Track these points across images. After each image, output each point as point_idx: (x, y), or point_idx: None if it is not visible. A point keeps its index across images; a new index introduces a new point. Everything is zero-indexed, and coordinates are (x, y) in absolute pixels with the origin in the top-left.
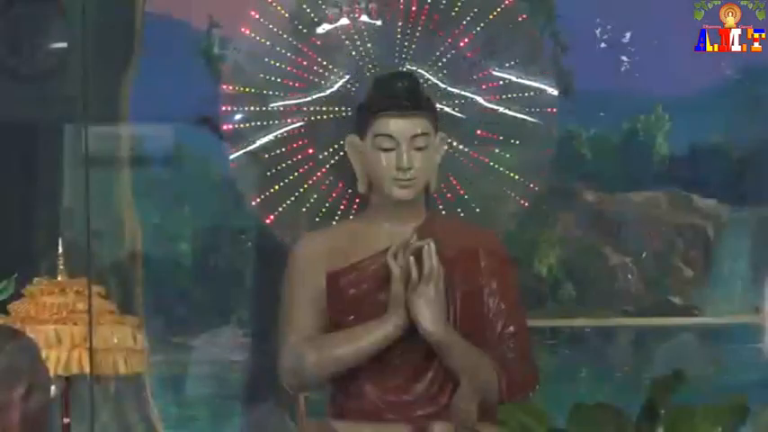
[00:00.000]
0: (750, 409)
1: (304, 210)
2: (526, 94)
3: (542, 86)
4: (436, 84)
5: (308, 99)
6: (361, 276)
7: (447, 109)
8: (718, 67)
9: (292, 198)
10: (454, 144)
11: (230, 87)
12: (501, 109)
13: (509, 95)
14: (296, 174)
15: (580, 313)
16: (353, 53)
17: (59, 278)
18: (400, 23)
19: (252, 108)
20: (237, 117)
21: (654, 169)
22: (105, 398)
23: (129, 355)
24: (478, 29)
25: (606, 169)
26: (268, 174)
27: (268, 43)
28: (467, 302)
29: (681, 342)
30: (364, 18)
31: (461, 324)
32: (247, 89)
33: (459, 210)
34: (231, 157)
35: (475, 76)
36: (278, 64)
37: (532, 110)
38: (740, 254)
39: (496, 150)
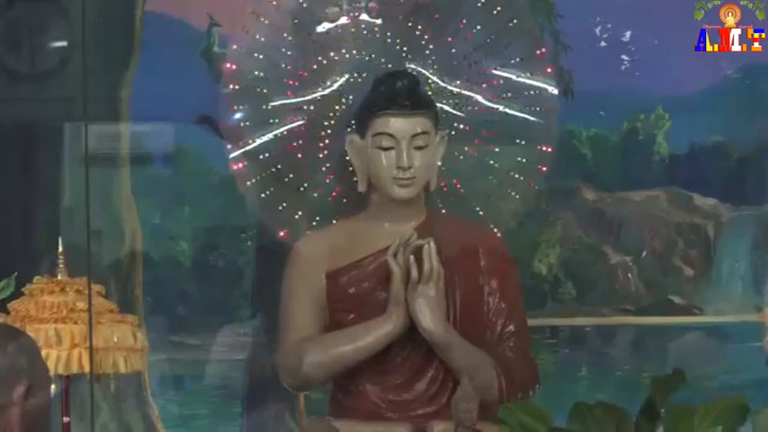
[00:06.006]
0: (750, 408)
1: (304, 209)
2: (526, 93)
3: (542, 85)
4: (436, 83)
5: (308, 98)
6: (362, 275)
7: (447, 108)
8: (718, 67)
9: (292, 198)
10: (454, 143)
11: (230, 87)
12: (501, 108)
13: (509, 94)
14: (296, 173)
15: (580, 312)
16: (353, 52)
17: (59, 277)
18: (400, 22)
19: (252, 107)
20: (237, 116)
21: (654, 168)
22: (105, 397)
23: (129, 354)
24: (478, 28)
25: (606, 168)
26: (268, 173)
27: (268, 42)
28: (467, 301)
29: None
30: (364, 17)
31: (461, 323)
32: (247, 88)
33: (459, 209)
34: (231, 156)
35: (475, 76)
36: (278, 63)
37: (533, 109)
38: (740, 254)
39: (497, 149)
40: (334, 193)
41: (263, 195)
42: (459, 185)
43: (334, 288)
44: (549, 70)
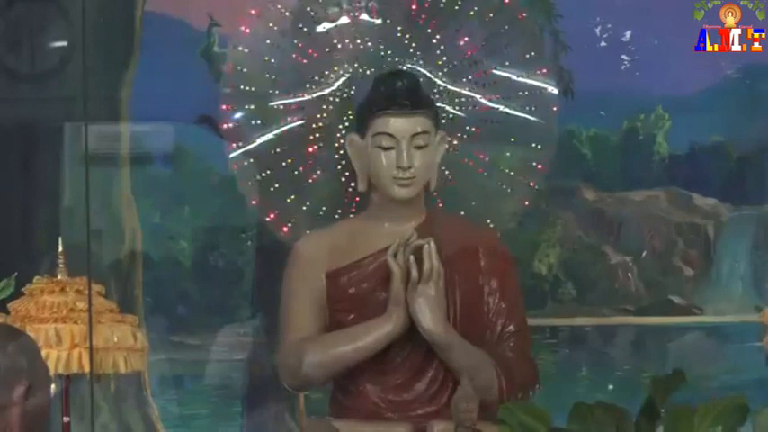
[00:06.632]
0: (750, 408)
1: (304, 209)
2: (526, 93)
3: (542, 85)
4: (436, 83)
5: (308, 98)
6: (362, 275)
7: (447, 108)
8: (718, 67)
9: (292, 197)
10: (454, 143)
11: (230, 87)
12: (501, 108)
13: (509, 94)
14: (296, 173)
15: (580, 312)
16: (354, 52)
17: (59, 277)
18: (400, 22)
19: (252, 107)
20: (237, 116)
21: (654, 168)
22: (105, 397)
23: (129, 354)
24: (478, 28)
25: (606, 168)
26: (268, 173)
27: (268, 42)
28: (467, 301)
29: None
30: (364, 17)
31: (461, 323)
32: (247, 88)
33: (459, 209)
34: (231, 156)
35: (475, 75)
36: (278, 63)
37: (533, 108)
38: (740, 254)
39: (497, 149)
40: (334, 194)
41: (263, 195)
42: (459, 185)
43: (334, 288)
44: (548, 70)
